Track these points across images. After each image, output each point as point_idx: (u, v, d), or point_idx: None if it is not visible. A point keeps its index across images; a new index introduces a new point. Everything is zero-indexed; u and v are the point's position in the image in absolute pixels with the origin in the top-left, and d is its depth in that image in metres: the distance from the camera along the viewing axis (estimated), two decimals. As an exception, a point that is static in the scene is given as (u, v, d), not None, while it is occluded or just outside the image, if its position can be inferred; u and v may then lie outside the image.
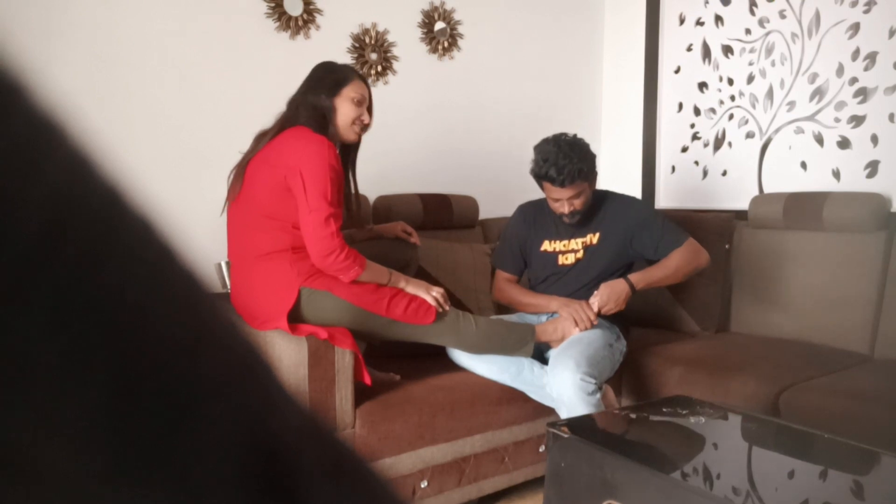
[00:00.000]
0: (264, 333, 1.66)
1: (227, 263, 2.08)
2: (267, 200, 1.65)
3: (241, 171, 1.71)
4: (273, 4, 2.30)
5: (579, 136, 2.03)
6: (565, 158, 1.91)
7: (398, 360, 1.97)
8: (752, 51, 2.72)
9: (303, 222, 1.62)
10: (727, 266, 2.49)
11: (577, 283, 2.07)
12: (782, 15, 2.61)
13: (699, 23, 2.91)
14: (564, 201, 1.99)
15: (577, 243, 2.10)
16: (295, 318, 1.65)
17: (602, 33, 3.28)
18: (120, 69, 2.02)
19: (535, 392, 1.88)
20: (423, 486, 1.77)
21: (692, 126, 2.95)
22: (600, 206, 2.10)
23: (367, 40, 2.53)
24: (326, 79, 1.73)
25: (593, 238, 2.08)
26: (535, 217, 2.18)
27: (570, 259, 2.11)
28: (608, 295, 1.97)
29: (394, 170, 2.59)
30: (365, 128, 1.80)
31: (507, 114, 2.95)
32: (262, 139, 1.71)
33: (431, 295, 1.77)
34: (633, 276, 2.00)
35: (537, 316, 2.11)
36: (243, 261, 1.71)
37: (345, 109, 1.73)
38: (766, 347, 2.18)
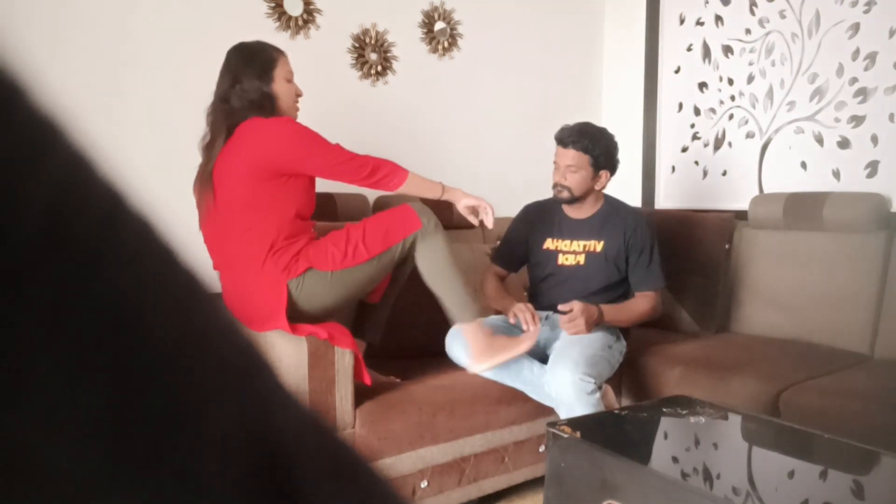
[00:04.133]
0: (264, 333, 1.66)
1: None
2: (241, 197, 1.62)
3: (208, 180, 1.65)
4: (273, 4, 2.30)
5: None
6: (580, 130, 2.04)
7: (398, 361, 1.97)
8: (752, 51, 2.72)
9: (329, 176, 1.68)
10: (727, 266, 2.49)
11: (577, 292, 2.05)
12: (782, 15, 2.61)
13: (699, 23, 2.91)
14: (561, 168, 2.05)
15: (578, 245, 2.10)
16: (293, 316, 1.65)
17: (602, 33, 3.28)
18: (120, 69, 2.02)
19: (535, 391, 1.88)
20: (423, 486, 1.77)
21: (692, 126, 2.95)
22: (610, 215, 2.12)
23: (367, 40, 2.53)
24: (253, 66, 1.67)
25: (597, 245, 2.09)
26: (539, 215, 2.19)
27: (569, 260, 2.11)
28: (582, 321, 1.89)
29: (394, 170, 2.59)
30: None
31: (507, 113, 2.95)
32: (214, 146, 1.65)
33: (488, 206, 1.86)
34: (606, 309, 1.98)
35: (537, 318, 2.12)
36: (228, 269, 1.70)
37: (283, 92, 1.71)
38: (766, 347, 2.18)
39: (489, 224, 1.87)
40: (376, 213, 1.79)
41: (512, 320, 1.95)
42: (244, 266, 1.66)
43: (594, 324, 1.94)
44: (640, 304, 2.08)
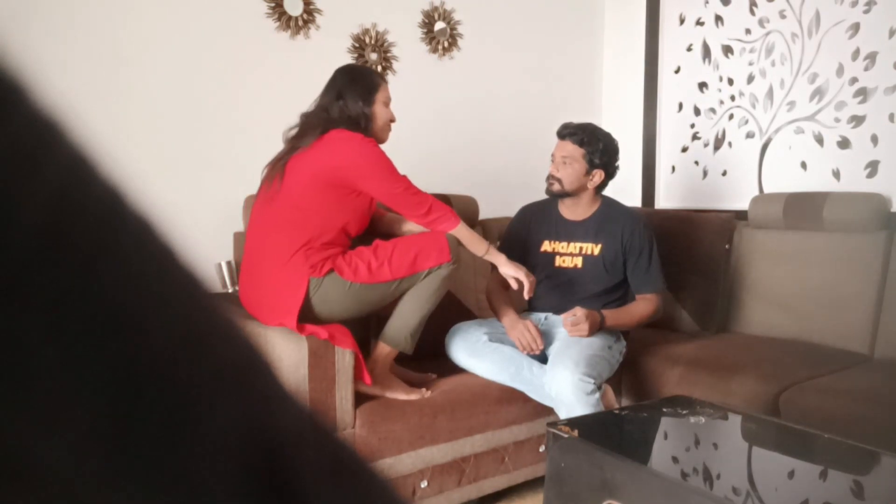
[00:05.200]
0: (265, 333, 1.66)
1: (228, 263, 2.08)
2: (302, 193, 1.69)
3: (282, 168, 1.73)
4: (273, 4, 2.30)
5: None
6: (581, 125, 2.09)
7: (398, 362, 1.97)
8: (752, 51, 2.72)
9: (388, 203, 1.77)
10: (727, 266, 2.49)
11: (576, 294, 2.06)
12: (782, 15, 2.61)
13: (699, 23, 2.91)
14: (556, 160, 2.09)
15: (575, 247, 2.11)
16: (304, 315, 1.66)
17: (602, 33, 3.28)
18: (120, 69, 2.02)
19: (535, 392, 1.88)
20: (423, 486, 1.77)
21: (692, 126, 2.95)
22: (607, 218, 2.12)
23: (367, 40, 2.53)
24: (357, 86, 1.79)
25: (594, 248, 2.09)
26: (536, 217, 2.19)
27: (567, 262, 2.11)
28: (586, 326, 1.90)
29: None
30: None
31: (507, 114, 2.95)
32: (301, 140, 1.73)
33: (528, 279, 1.87)
34: (608, 315, 1.99)
35: (537, 318, 2.12)
36: (258, 254, 1.74)
37: (380, 114, 1.81)
38: (766, 347, 2.18)
39: (527, 296, 1.90)
40: (409, 235, 1.82)
41: (522, 350, 1.94)
42: (274, 255, 1.70)
43: (597, 329, 1.94)
44: (641, 307, 2.08)
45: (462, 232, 1.82)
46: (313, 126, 1.74)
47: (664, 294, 2.19)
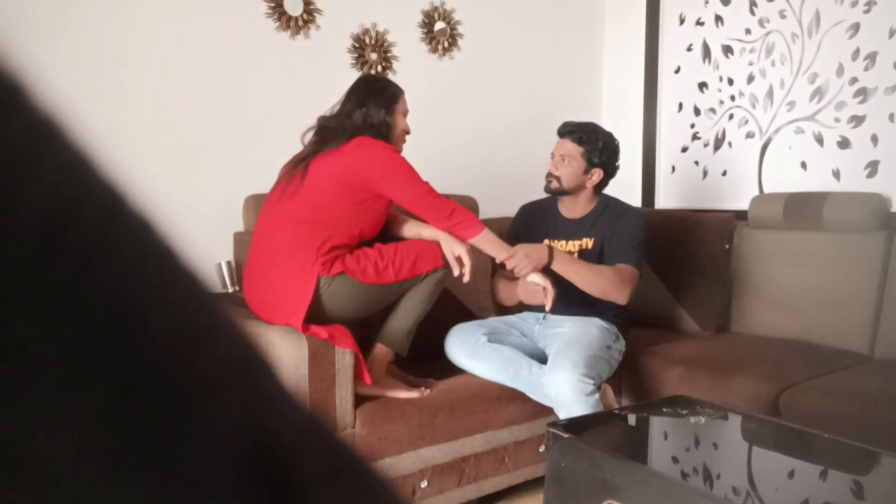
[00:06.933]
0: (265, 333, 1.66)
1: (228, 263, 2.08)
2: (322, 193, 1.73)
3: (305, 167, 1.76)
4: (273, 4, 2.30)
5: None
6: (580, 124, 2.12)
7: (397, 362, 1.97)
8: (752, 51, 2.72)
9: (411, 207, 1.82)
10: (727, 266, 2.49)
11: (576, 292, 2.04)
12: (782, 15, 2.61)
13: (699, 23, 2.91)
14: (556, 158, 2.10)
15: (573, 245, 2.11)
16: (311, 313, 1.68)
17: (602, 33, 3.28)
18: (120, 69, 2.02)
19: (535, 392, 1.88)
20: (423, 486, 1.77)
21: (692, 126, 2.95)
22: (602, 213, 2.12)
23: (367, 40, 2.53)
24: (380, 96, 1.84)
25: (589, 243, 2.09)
26: (535, 216, 2.20)
27: None
28: (524, 260, 1.89)
29: (394, 170, 2.58)
30: None
31: (507, 113, 2.95)
32: (326, 142, 1.77)
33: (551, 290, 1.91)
34: (558, 253, 1.95)
35: (535, 318, 2.12)
36: (267, 250, 1.75)
37: (398, 123, 1.87)
38: (766, 347, 2.18)
39: (548, 308, 1.93)
40: (406, 241, 1.86)
41: (548, 307, 1.91)
42: (286, 250, 1.71)
43: (542, 265, 1.92)
44: (606, 268, 2.00)
45: (486, 238, 1.86)
46: (339, 131, 1.79)
47: (663, 292, 2.18)
